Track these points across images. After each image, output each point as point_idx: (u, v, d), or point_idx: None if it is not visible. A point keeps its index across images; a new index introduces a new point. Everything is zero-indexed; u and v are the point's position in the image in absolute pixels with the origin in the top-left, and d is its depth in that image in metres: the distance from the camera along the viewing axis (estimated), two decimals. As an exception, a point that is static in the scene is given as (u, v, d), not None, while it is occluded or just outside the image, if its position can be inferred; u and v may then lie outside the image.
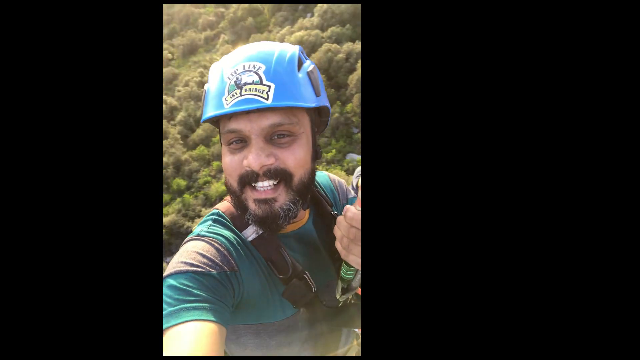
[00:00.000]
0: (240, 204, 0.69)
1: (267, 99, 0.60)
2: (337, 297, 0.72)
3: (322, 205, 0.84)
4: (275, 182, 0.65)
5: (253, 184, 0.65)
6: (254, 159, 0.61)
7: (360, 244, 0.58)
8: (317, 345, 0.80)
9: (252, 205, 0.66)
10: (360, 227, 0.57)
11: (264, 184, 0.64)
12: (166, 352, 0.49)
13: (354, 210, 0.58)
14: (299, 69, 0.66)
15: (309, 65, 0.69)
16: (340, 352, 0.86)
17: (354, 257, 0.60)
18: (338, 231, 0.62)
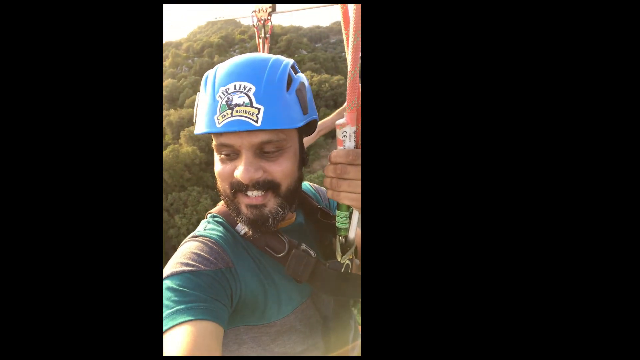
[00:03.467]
0: (233, 206, 0.72)
1: (256, 122, 0.62)
2: (339, 258, 0.75)
3: (307, 201, 0.89)
4: (263, 192, 0.68)
5: (243, 192, 0.69)
6: (243, 173, 0.64)
7: (347, 176, 0.62)
8: (327, 340, 0.81)
9: (243, 209, 0.70)
10: (344, 161, 0.62)
11: (254, 193, 0.68)
12: (164, 355, 0.50)
13: (335, 151, 0.63)
14: (288, 87, 0.67)
15: (298, 82, 0.69)
16: (350, 348, 0.86)
17: (345, 194, 0.63)
18: (327, 179, 0.65)
